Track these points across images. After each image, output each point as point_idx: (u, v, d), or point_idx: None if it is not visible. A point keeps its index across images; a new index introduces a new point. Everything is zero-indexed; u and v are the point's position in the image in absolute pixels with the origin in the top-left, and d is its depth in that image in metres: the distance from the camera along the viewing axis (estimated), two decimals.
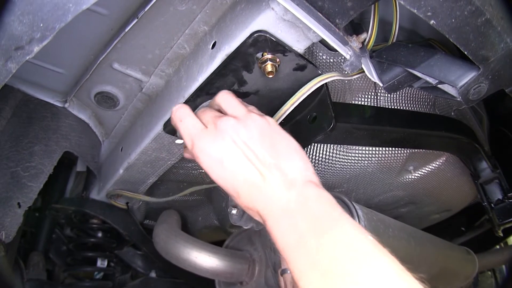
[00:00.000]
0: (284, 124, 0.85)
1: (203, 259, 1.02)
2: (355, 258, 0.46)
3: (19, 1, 0.54)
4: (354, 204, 0.83)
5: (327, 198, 0.55)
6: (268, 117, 0.65)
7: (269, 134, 0.61)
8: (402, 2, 0.55)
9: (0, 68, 0.57)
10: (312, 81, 0.73)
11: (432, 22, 0.56)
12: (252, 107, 0.68)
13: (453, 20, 0.56)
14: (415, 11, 0.55)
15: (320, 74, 0.73)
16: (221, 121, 0.61)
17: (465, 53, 0.62)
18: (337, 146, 1.01)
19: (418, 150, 1.06)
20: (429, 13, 0.55)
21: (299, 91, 0.73)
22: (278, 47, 0.66)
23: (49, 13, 0.54)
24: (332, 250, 0.48)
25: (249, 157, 0.58)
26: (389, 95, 0.98)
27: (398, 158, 1.05)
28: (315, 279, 0.47)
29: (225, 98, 0.67)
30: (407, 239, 0.93)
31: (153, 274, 1.44)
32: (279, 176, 0.57)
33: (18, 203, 0.97)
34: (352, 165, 1.04)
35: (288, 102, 0.75)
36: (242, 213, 0.74)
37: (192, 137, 0.63)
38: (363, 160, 1.03)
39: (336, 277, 0.46)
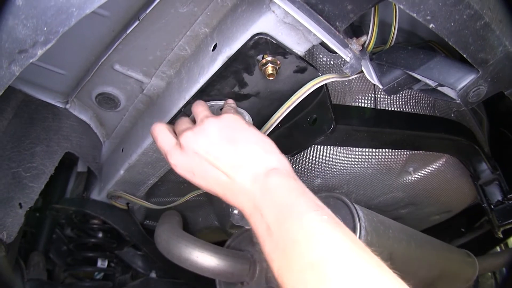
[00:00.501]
0: (283, 126, 0.86)
1: (205, 259, 1.02)
2: (310, 238, 0.49)
3: (24, 5, 0.54)
4: (355, 206, 0.84)
5: (287, 186, 0.58)
6: (228, 115, 0.67)
7: (227, 134, 0.64)
8: (401, 6, 0.55)
9: (3, 71, 0.58)
10: (306, 85, 0.73)
11: (431, 25, 0.56)
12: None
13: (452, 24, 0.56)
14: (415, 15, 0.55)
15: (320, 76, 0.74)
16: (181, 137, 0.66)
17: (464, 56, 0.62)
18: (337, 148, 1.01)
19: (418, 152, 1.06)
20: (428, 17, 0.55)
21: (294, 95, 0.74)
22: (279, 50, 0.67)
23: (53, 17, 0.54)
24: (291, 232, 0.51)
25: (213, 163, 0.62)
26: (388, 97, 0.98)
27: (398, 159, 1.05)
28: (277, 259, 0.51)
29: (195, 107, 0.73)
30: (407, 241, 0.93)
31: (153, 275, 1.44)
32: (243, 173, 0.60)
33: (20, 204, 0.97)
34: (352, 167, 1.04)
35: (284, 104, 0.75)
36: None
37: (165, 153, 0.69)
38: (363, 161, 1.03)
39: (294, 256, 0.49)
